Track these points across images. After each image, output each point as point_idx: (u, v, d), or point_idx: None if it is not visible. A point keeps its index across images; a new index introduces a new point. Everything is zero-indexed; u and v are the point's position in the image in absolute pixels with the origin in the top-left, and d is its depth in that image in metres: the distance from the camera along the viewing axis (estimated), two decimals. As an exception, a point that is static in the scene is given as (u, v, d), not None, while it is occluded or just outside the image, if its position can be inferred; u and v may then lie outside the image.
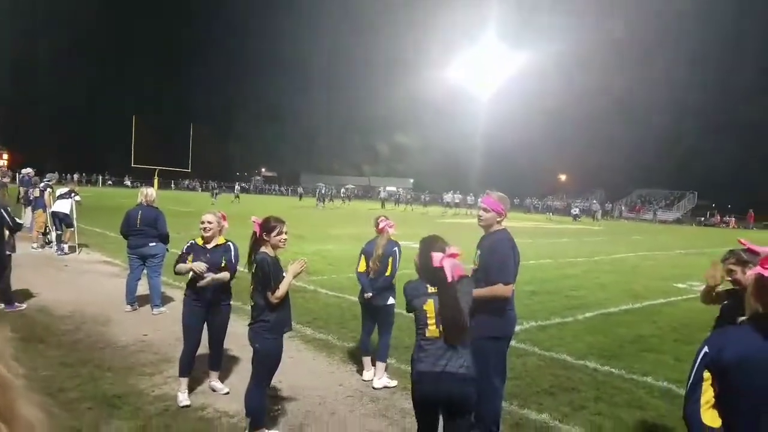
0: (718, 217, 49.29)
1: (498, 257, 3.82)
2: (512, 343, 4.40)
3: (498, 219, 3.97)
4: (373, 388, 4.92)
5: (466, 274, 3.15)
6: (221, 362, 4.92)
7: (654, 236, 28.49)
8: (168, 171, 62.96)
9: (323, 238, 17.36)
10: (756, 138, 58.76)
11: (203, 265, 4.49)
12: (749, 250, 3.19)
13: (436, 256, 2.99)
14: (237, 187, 49.38)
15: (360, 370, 5.27)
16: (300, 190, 56.62)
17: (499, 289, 3.74)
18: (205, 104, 78.62)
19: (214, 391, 4.71)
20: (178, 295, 7.53)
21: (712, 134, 62.17)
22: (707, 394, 1.83)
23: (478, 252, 3.95)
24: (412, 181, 75.18)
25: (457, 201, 45.35)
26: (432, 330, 2.95)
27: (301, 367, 5.39)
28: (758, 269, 1.91)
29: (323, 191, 43.51)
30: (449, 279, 2.94)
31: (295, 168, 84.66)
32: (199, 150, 64.76)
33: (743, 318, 1.94)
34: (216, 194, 43.28)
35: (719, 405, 1.82)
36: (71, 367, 5.11)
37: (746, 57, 57.59)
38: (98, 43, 78.34)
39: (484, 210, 3.97)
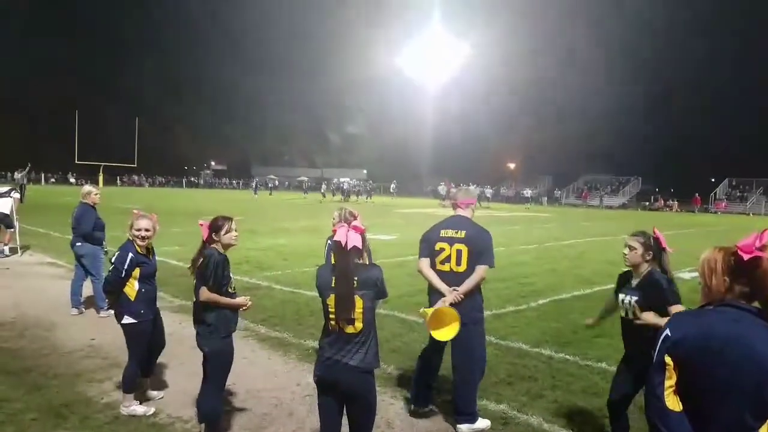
0: (662, 202, 51.26)
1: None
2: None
3: (463, 210, 4.38)
4: None
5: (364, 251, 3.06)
6: (154, 369, 4.76)
7: (601, 222, 29.45)
8: (113, 167, 60.84)
9: (275, 232, 17.14)
10: (695, 122, 61.88)
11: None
12: (657, 239, 3.44)
13: (340, 230, 2.95)
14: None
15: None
16: (304, 185, 53.88)
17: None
18: (151, 97, 75.87)
19: (149, 399, 4.51)
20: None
21: (653, 120, 65.09)
22: (670, 379, 1.81)
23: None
24: (365, 171, 75.11)
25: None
26: (333, 325, 2.95)
27: (257, 368, 5.27)
28: (738, 250, 1.83)
29: (344, 186, 44.21)
30: (343, 243, 2.91)
31: (246, 161, 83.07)
32: (145, 144, 62.76)
33: (704, 303, 1.91)
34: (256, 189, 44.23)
35: (680, 390, 1.81)
36: (14, 376, 4.84)
37: (685, 43, 60.12)
38: (37, 31, 74.38)
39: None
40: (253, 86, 76.37)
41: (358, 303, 2.91)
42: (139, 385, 4.42)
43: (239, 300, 3.85)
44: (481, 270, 4.09)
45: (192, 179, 78.11)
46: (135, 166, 62.08)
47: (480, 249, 4.12)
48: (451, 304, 3.95)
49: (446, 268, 4.14)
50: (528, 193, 47.67)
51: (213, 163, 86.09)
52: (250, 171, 78.00)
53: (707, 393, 1.78)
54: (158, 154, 72.60)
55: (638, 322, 3.29)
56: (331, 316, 2.92)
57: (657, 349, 1.85)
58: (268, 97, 77.15)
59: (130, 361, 4.30)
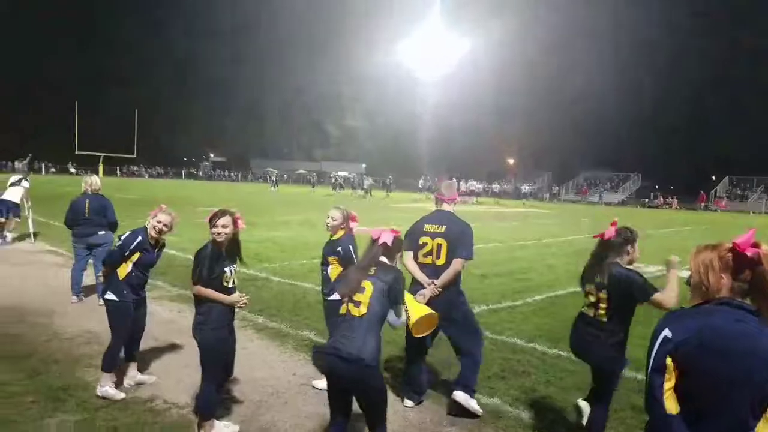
0: (662, 199, 51.17)
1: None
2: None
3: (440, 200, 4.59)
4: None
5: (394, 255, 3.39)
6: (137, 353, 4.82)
7: (600, 218, 29.48)
8: (113, 157, 60.78)
9: (274, 225, 17.21)
10: (696, 119, 61.89)
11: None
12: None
13: (375, 231, 3.33)
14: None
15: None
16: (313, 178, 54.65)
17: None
18: (151, 88, 75.64)
19: (139, 384, 4.59)
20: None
21: (654, 117, 65.07)
22: (670, 381, 1.79)
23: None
24: (364, 165, 75.05)
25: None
26: (344, 308, 3.13)
27: (254, 358, 5.32)
28: (737, 247, 1.82)
29: (361, 181, 44.45)
30: (375, 237, 3.32)
31: (245, 153, 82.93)
32: (144, 135, 62.66)
33: (700, 302, 1.89)
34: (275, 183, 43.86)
35: (678, 391, 1.79)
36: (14, 361, 4.91)
37: (687, 43, 60.07)
38: (37, 21, 74.06)
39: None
40: (252, 79, 76.50)
41: (368, 288, 3.06)
42: (121, 369, 4.53)
43: (233, 297, 3.86)
44: (457, 263, 4.25)
45: (191, 171, 78.10)
46: (134, 156, 62.02)
47: (458, 243, 4.28)
48: (430, 297, 4.16)
49: (428, 261, 4.32)
50: (526, 188, 47.89)
51: (212, 155, 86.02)
52: (249, 164, 78.03)
53: (710, 393, 1.76)
54: (157, 145, 72.51)
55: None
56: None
57: (655, 351, 1.82)
58: (267, 90, 77.21)
59: (112, 341, 4.42)
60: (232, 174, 76.62)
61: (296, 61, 78.46)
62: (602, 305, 3.52)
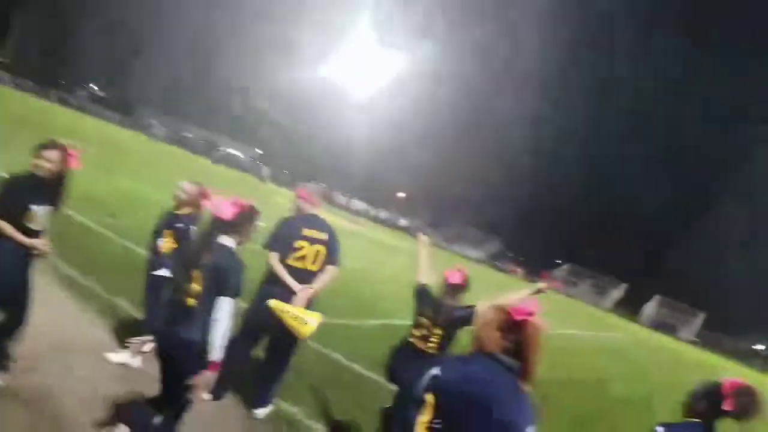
0: (511, 266, 55.71)
1: (275, 226, 4.33)
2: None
3: (306, 205, 4.39)
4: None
5: None
6: None
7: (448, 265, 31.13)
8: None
9: (138, 177, 16.02)
10: (561, 211, 68.39)
11: None
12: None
13: (215, 203, 3.01)
14: None
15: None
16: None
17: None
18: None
19: None
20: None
21: (528, 195, 70.95)
22: (427, 415, 1.92)
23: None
24: (258, 151, 72.60)
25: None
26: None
27: (51, 313, 4.71)
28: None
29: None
30: (214, 213, 3.02)
31: (130, 98, 75.70)
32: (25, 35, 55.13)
33: (474, 351, 2.05)
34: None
35: (432, 428, 1.92)
36: None
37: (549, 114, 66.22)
38: None
39: (298, 197, 4.43)
40: (173, 29, 70.88)
41: (197, 277, 2.87)
42: None
43: (32, 240, 3.33)
44: (333, 270, 4.29)
45: (63, 96, 69.96)
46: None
47: (333, 250, 4.30)
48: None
49: (300, 265, 4.18)
50: (401, 222, 49.60)
51: (94, 86, 77.38)
52: (133, 111, 71.84)
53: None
54: (34, 51, 64.26)
55: None
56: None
57: (423, 385, 1.96)
58: (182, 48, 71.99)
59: None
60: (108, 114, 69.86)
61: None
62: (433, 339, 3.74)
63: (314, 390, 5.06)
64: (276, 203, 21.86)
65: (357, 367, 6.12)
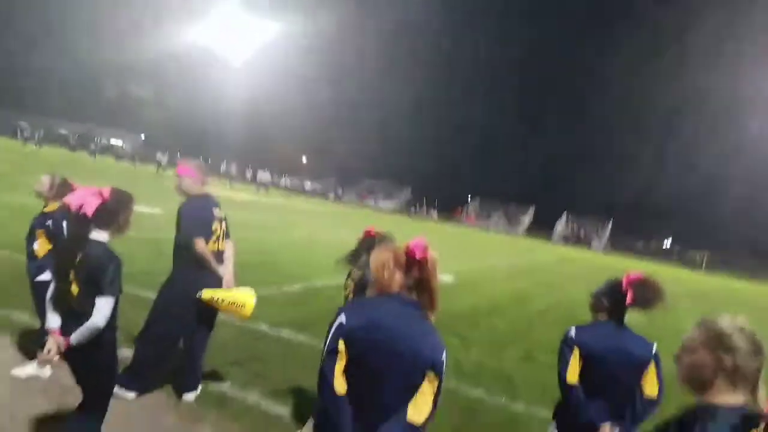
0: (425, 210, 57.09)
1: (186, 214, 4.03)
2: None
3: (195, 184, 4.13)
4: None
5: None
6: None
7: (371, 222, 31.51)
8: None
9: (11, 186, 14.62)
10: (465, 146, 70.62)
11: None
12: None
13: (75, 196, 2.70)
14: None
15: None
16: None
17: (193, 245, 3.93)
18: None
19: None
20: None
21: (430, 137, 72.61)
22: (341, 362, 1.93)
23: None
24: (143, 136, 68.31)
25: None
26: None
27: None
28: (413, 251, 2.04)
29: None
30: (74, 207, 2.68)
31: None
32: None
33: (375, 295, 2.08)
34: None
35: (346, 374, 1.94)
36: None
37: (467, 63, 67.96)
38: None
39: (179, 176, 4.14)
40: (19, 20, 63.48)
41: (74, 278, 2.67)
42: None
43: None
44: (233, 245, 4.31)
45: None
46: None
47: (228, 225, 4.27)
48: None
49: (215, 247, 4.10)
50: (308, 186, 49.18)
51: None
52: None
53: (368, 378, 1.94)
54: None
55: None
56: None
57: (331, 334, 1.97)
58: (29, 40, 64.79)
59: None
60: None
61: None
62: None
63: (240, 363, 4.96)
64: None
65: (285, 332, 6.05)
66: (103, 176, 22.54)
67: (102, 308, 2.61)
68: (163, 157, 41.61)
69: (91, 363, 2.76)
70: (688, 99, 64.45)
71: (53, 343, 2.61)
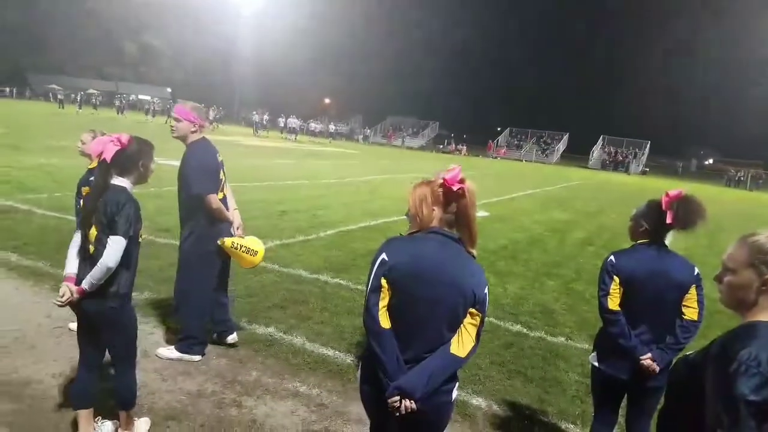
0: (453, 146, 56.10)
1: (195, 167, 3.85)
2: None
3: (192, 129, 3.90)
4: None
5: None
6: None
7: (399, 161, 31.31)
8: None
9: (49, 150, 14.98)
10: (493, 79, 68.46)
11: None
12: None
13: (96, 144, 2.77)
14: None
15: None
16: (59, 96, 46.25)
17: (206, 202, 3.84)
18: None
19: None
20: None
21: (453, 70, 70.56)
22: (384, 299, 1.98)
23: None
24: (169, 90, 68.35)
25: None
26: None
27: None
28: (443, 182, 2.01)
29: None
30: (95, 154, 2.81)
31: (17, 66, 68.92)
32: None
33: (414, 231, 2.07)
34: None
35: (390, 310, 1.99)
36: None
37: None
38: None
39: (176, 119, 3.88)
40: None
41: (95, 222, 2.69)
42: None
43: None
44: (231, 189, 4.26)
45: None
46: None
47: (224, 170, 4.17)
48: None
49: (221, 195, 4.01)
50: (333, 128, 48.97)
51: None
52: (26, 79, 65.47)
53: (412, 312, 1.98)
54: None
55: None
56: None
57: (373, 272, 2.00)
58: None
59: None
60: (6, 89, 63.55)
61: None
62: None
63: (283, 307, 5.11)
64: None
65: (323, 276, 6.17)
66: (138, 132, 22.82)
67: (112, 246, 2.59)
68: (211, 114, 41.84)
69: (110, 315, 2.74)
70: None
71: (66, 289, 2.63)
